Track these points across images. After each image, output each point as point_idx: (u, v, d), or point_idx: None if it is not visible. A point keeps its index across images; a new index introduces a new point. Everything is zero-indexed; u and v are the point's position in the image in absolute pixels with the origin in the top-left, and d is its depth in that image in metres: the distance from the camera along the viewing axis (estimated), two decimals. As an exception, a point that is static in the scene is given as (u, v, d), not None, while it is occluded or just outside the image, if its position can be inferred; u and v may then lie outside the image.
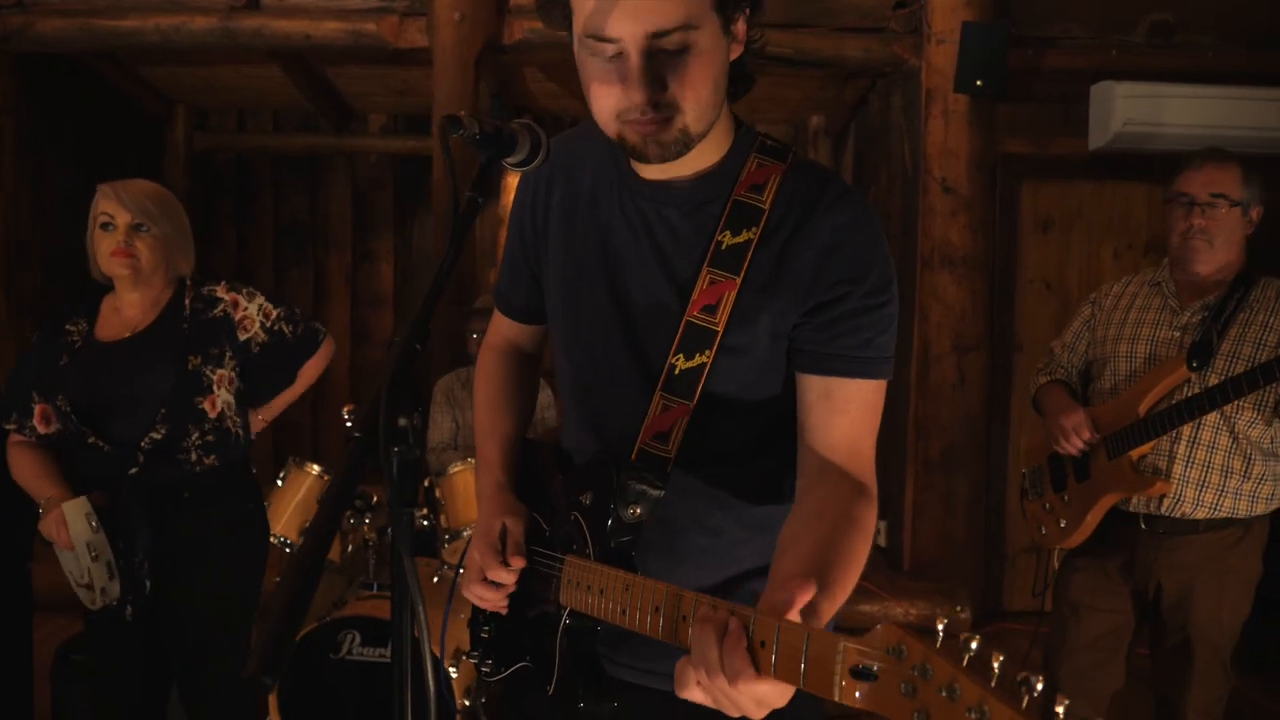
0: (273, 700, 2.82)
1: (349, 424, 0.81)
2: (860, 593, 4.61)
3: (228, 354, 2.29)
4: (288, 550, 3.12)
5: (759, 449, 1.18)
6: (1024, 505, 2.66)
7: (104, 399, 2.22)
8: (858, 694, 0.75)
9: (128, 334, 2.28)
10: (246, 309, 2.32)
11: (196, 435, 2.25)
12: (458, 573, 1.43)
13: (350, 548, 3.20)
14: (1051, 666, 2.52)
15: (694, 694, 0.91)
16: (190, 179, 6.62)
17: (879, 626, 0.76)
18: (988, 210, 4.54)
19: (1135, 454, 2.32)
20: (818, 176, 1.18)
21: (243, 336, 2.31)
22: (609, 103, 1.08)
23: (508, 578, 1.19)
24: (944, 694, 0.69)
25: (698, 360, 1.12)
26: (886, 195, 5.23)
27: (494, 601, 1.23)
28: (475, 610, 1.32)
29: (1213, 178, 2.29)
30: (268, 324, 2.35)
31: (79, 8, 4.71)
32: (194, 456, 2.24)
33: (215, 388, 2.27)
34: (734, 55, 1.14)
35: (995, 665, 0.69)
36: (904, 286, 4.73)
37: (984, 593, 4.73)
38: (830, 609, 0.96)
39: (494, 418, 1.34)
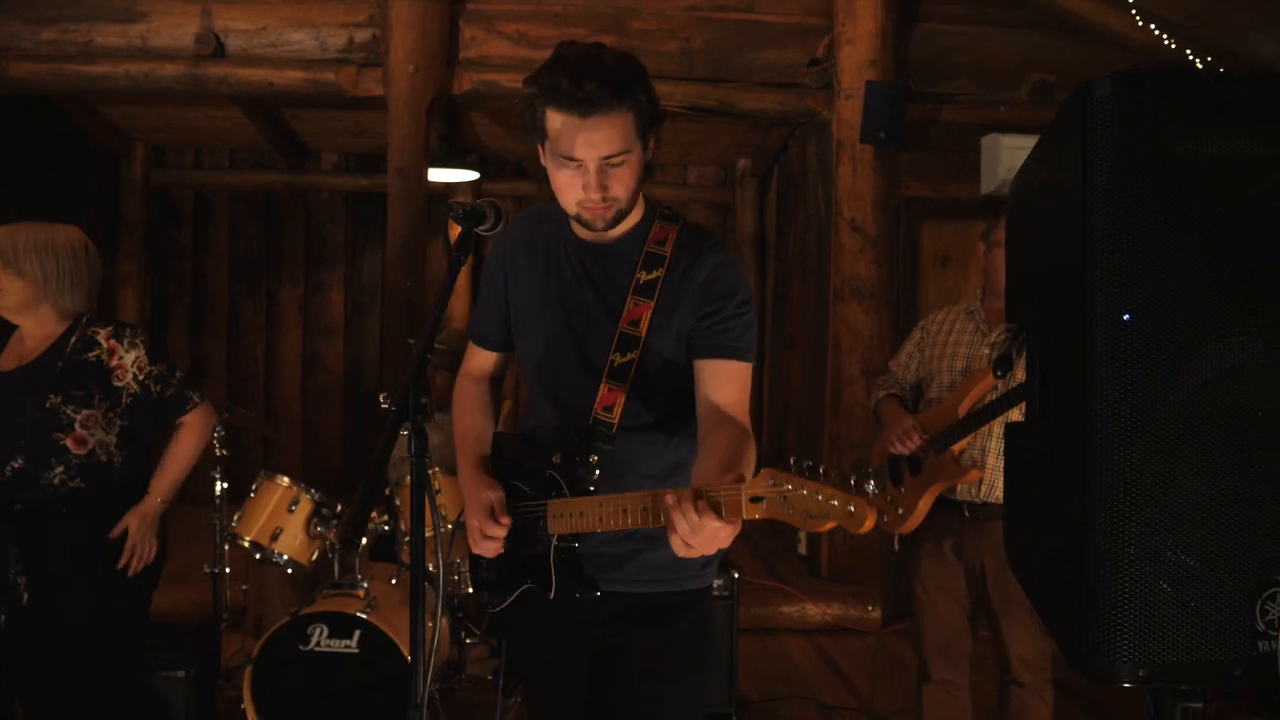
0: (246, 688, 3.13)
1: (384, 405, 1.32)
2: (781, 596, 5.04)
3: (98, 397, 2.35)
4: (257, 557, 3.45)
5: (670, 415, 1.69)
6: None
7: None
8: (757, 513, 1.26)
9: (16, 366, 2.38)
10: (122, 358, 2.37)
11: (61, 469, 2.33)
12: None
13: (316, 554, 3.53)
14: (920, 638, 2.98)
15: (680, 550, 1.35)
16: (148, 212, 6.88)
17: (764, 470, 1.27)
18: (892, 247, 5.06)
19: (957, 448, 2.79)
20: (698, 234, 1.73)
21: (116, 384, 2.37)
22: (573, 194, 1.59)
23: (500, 532, 1.67)
24: (794, 490, 1.22)
25: (629, 357, 1.63)
26: (804, 233, 5.73)
27: (494, 550, 1.70)
28: (473, 559, 1.80)
29: None
30: (140, 377, 2.40)
31: (51, 53, 4.98)
32: (57, 482, 2.33)
33: (79, 426, 2.33)
34: (646, 159, 1.70)
35: (823, 470, 1.22)
36: (819, 317, 5.25)
37: (905, 593, 5.17)
38: (748, 474, 1.46)
39: (474, 424, 1.85)
